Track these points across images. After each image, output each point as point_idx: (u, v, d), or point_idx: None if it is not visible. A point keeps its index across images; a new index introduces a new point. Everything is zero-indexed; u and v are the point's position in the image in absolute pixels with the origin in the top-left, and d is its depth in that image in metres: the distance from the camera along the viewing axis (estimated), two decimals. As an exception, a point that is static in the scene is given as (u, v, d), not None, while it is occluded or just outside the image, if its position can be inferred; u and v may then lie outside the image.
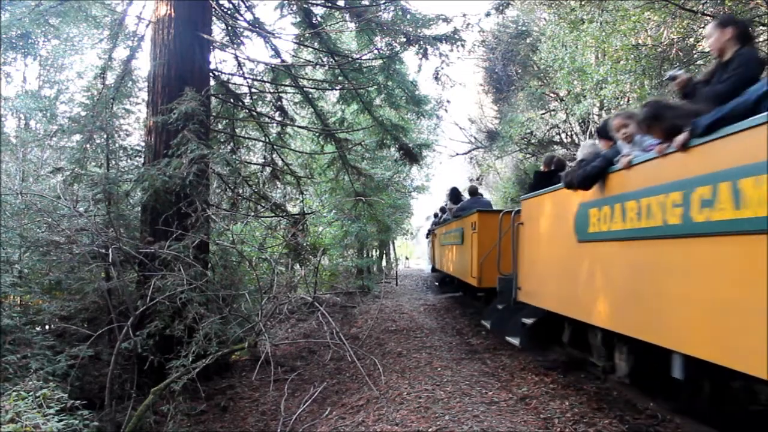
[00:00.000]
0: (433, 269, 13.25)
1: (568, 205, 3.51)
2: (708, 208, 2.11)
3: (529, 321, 4.32)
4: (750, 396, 2.49)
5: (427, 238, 15.63)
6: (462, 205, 7.84)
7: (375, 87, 7.25)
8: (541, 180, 4.64)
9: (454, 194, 8.68)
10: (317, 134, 7.97)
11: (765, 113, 1.89)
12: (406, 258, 32.70)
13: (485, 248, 5.82)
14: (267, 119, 7.73)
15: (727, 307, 2.04)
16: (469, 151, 17.77)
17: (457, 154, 17.89)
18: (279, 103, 7.65)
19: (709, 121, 2.20)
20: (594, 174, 3.12)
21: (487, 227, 5.84)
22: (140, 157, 6.21)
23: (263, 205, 6.98)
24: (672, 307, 2.41)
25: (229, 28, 6.92)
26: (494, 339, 5.88)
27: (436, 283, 13.12)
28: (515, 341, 4.50)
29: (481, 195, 8.17)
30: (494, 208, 8.01)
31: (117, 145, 6.08)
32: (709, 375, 2.48)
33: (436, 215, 12.72)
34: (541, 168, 5.36)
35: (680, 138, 2.30)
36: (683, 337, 2.33)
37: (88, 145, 5.67)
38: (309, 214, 8.42)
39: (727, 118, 2.13)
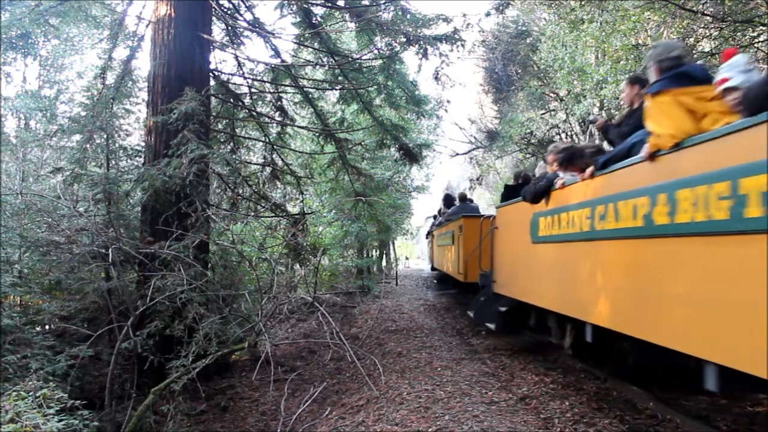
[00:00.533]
0: (433, 268, 14.03)
1: (526, 214, 4.35)
2: (602, 220, 3.00)
3: (503, 309, 5.07)
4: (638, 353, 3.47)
5: (426, 238, 16.27)
6: (452, 210, 8.79)
7: (375, 87, 7.25)
8: (511, 192, 5.33)
9: (447, 199, 9.84)
10: (317, 134, 7.97)
11: (628, 159, 2.78)
12: (406, 258, 32.69)
13: (470, 248, 6.67)
14: (267, 119, 7.72)
15: (613, 287, 2.93)
16: (469, 151, 17.75)
17: (457, 154, 17.87)
18: (279, 103, 7.65)
19: (603, 159, 3.09)
20: (540, 192, 4.01)
21: (471, 230, 6.70)
22: (140, 157, 6.21)
23: (263, 205, 6.98)
24: (584, 290, 3.30)
25: (229, 28, 6.92)
26: (494, 339, 5.89)
27: (435, 281, 13.85)
28: (492, 326, 5.30)
29: (471, 200, 9.21)
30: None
31: (117, 145, 6.07)
32: (609, 338, 3.27)
33: (435, 217, 13.18)
34: (512, 182, 6.14)
35: (588, 171, 3.21)
36: (590, 310, 3.20)
37: (88, 145, 5.67)
38: (309, 214, 8.42)
39: (614, 159, 2.98)
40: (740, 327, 1.95)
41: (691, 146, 2.27)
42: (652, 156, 2.50)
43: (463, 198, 8.96)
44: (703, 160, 2.18)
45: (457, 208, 8.60)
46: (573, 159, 3.48)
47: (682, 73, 2.52)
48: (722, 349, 2.04)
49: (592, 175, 3.17)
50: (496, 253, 5.51)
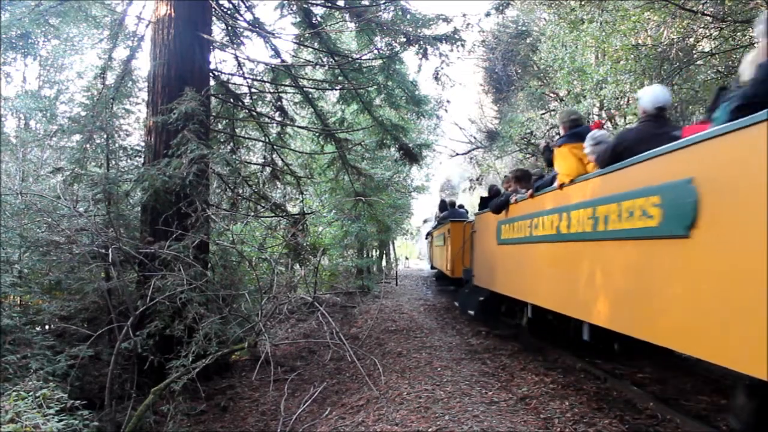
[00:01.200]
0: (432, 267, 14.63)
1: (494, 221, 5.48)
2: (535, 228, 4.14)
3: (481, 298, 5.98)
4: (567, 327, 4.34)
5: (426, 239, 16.62)
6: (444, 215, 10.07)
7: (375, 87, 7.24)
8: (485, 202, 6.43)
9: (442, 204, 11.27)
10: (317, 134, 7.97)
11: (551, 185, 3.90)
12: (406, 258, 32.68)
13: (456, 248, 7.79)
14: (267, 119, 7.72)
15: (541, 276, 4.09)
16: (469, 151, 17.71)
17: (457, 154, 17.83)
18: (279, 103, 7.64)
19: (536, 185, 4.28)
20: (500, 205, 5.14)
21: (458, 232, 7.97)
22: (140, 157, 6.21)
23: (263, 205, 6.98)
24: (526, 279, 4.53)
25: (229, 28, 6.92)
26: (494, 339, 5.89)
27: (434, 278, 14.39)
28: (472, 313, 6.21)
29: (461, 206, 10.62)
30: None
31: (117, 145, 6.07)
32: (543, 314, 4.40)
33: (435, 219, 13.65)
34: (485, 194, 7.37)
35: (529, 192, 4.34)
36: (529, 292, 4.47)
37: (88, 145, 5.66)
38: (309, 214, 8.42)
39: (543, 185, 4.13)
40: (598, 296, 3.00)
41: (577, 183, 3.43)
42: (561, 187, 3.65)
43: (453, 204, 10.45)
44: (582, 192, 3.31)
45: (447, 213, 9.82)
46: (522, 179, 4.75)
47: (575, 133, 3.65)
48: (589, 312, 3.14)
49: (531, 195, 4.28)
50: (475, 252, 6.65)
